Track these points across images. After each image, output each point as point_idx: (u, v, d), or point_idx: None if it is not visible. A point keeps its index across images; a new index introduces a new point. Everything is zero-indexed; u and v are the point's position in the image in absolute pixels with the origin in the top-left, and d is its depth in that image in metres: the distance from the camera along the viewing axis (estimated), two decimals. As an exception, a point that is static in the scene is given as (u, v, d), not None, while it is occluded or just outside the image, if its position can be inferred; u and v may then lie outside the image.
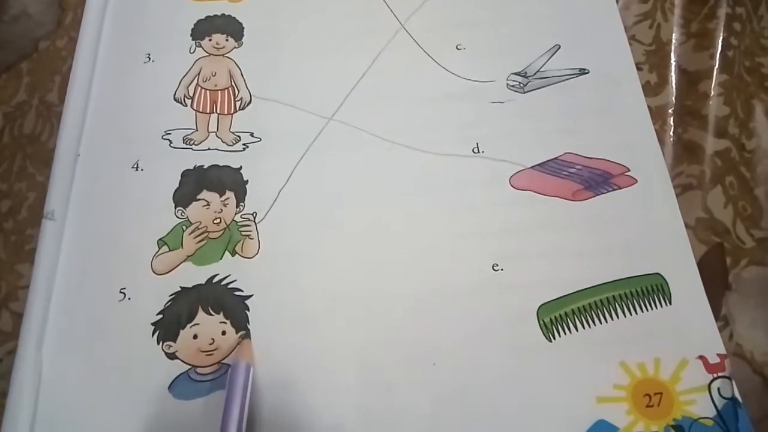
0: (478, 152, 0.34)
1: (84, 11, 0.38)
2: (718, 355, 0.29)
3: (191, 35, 0.38)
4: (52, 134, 0.37)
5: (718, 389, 0.29)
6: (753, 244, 0.33)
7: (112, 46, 0.37)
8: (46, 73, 0.39)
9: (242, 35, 0.38)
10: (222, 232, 0.32)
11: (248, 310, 0.30)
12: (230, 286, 0.31)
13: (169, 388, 0.29)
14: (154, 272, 0.31)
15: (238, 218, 0.33)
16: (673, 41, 0.38)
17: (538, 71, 0.37)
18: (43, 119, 0.37)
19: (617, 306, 0.31)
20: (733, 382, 0.29)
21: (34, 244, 0.33)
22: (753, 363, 0.30)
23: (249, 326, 0.30)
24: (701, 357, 0.29)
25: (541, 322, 0.30)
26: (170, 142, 0.34)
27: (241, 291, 0.31)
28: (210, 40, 0.38)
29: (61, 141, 0.34)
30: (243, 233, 0.32)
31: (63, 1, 0.41)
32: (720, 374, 0.29)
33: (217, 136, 0.35)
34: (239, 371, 0.28)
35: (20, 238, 0.34)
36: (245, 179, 0.34)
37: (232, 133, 0.35)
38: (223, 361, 0.29)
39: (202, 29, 0.38)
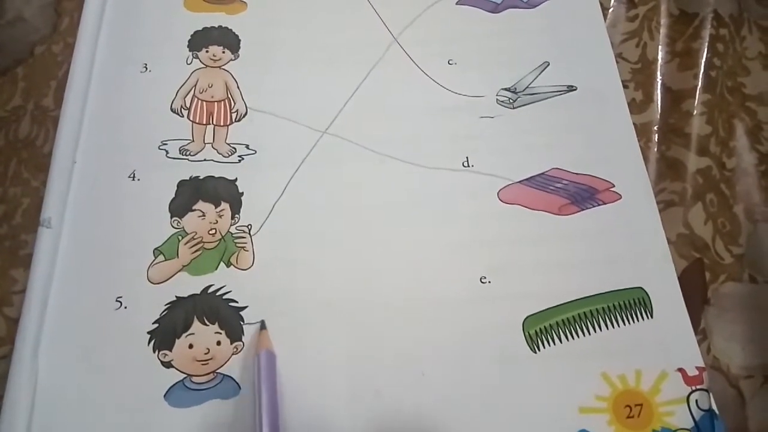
0: (468, 166, 0.35)
1: (81, 19, 0.39)
2: (697, 368, 0.31)
3: (188, 46, 0.38)
4: (47, 139, 0.37)
5: (696, 401, 0.30)
6: (731, 260, 0.34)
7: (109, 54, 0.38)
8: (41, 78, 0.39)
9: (239, 47, 0.38)
10: (217, 243, 0.33)
11: (243, 321, 0.31)
12: (225, 296, 0.32)
13: (164, 396, 0.29)
14: (150, 281, 0.32)
15: (233, 230, 0.33)
16: (659, 60, 0.40)
17: (527, 87, 0.38)
18: (39, 124, 0.38)
19: (600, 319, 0.32)
20: (711, 395, 0.30)
21: (28, 249, 0.33)
22: (729, 376, 0.32)
23: (243, 337, 0.31)
24: (680, 370, 0.30)
25: (527, 334, 0.31)
26: (166, 152, 0.35)
27: (236, 302, 0.31)
28: (207, 51, 0.38)
29: (57, 149, 0.35)
30: (238, 245, 0.33)
31: (59, 6, 0.41)
32: (698, 387, 0.30)
33: (212, 147, 0.35)
34: (265, 360, 0.29)
35: (15, 243, 0.34)
36: (241, 191, 0.34)
37: (228, 144, 0.36)
38: (217, 371, 0.30)
39: (198, 40, 0.38)
